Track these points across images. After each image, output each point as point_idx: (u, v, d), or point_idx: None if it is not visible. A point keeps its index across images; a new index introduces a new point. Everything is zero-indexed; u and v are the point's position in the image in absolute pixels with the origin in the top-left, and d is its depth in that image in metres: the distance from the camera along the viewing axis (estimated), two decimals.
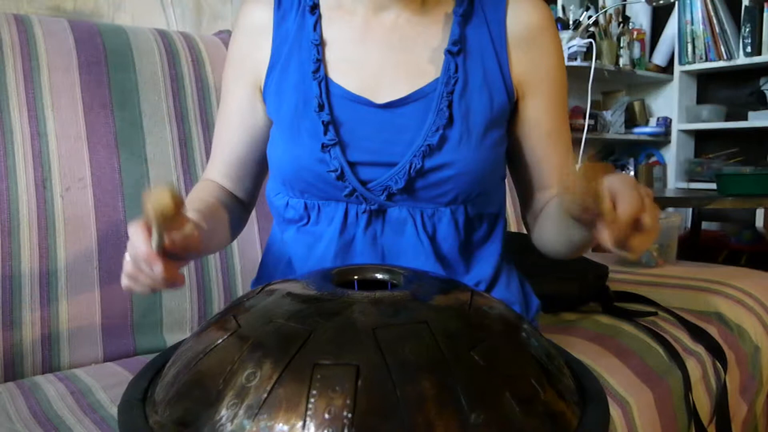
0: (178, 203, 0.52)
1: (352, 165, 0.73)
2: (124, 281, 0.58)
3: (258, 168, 0.87)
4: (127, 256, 0.57)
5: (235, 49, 0.84)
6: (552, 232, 0.75)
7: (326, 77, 0.75)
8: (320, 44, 0.76)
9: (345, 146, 0.73)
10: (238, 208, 0.88)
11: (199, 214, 0.69)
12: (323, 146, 0.72)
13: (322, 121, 0.73)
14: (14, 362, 0.88)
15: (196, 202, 0.77)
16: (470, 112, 0.74)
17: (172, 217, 0.53)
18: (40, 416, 0.71)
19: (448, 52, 0.74)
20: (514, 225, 1.46)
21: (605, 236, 0.52)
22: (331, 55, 0.76)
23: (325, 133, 0.72)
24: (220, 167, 0.85)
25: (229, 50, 0.85)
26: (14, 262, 0.90)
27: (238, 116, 0.83)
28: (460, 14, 0.76)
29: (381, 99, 0.74)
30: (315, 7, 0.78)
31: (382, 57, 0.76)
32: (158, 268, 0.53)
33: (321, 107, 0.73)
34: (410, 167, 0.72)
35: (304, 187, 0.76)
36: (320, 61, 0.75)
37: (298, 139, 0.74)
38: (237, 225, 0.88)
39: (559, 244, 0.74)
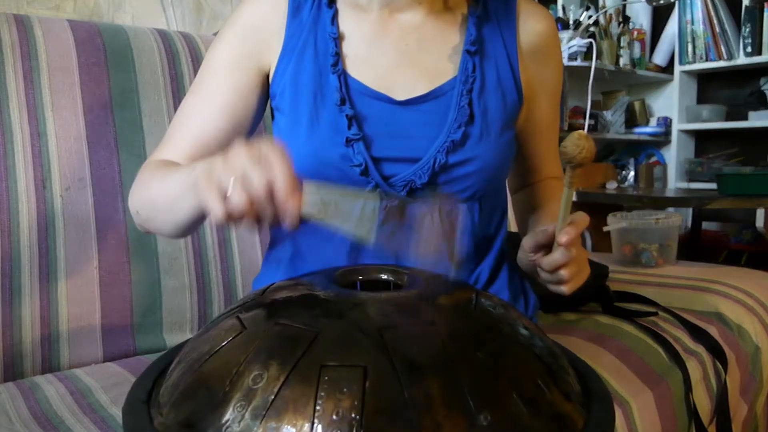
0: None
1: (376, 160, 0.73)
2: (238, 206, 0.48)
3: None
4: (237, 187, 0.48)
5: (239, 33, 0.78)
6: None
7: (345, 71, 0.74)
8: (338, 38, 0.75)
9: (369, 141, 0.73)
10: None
11: None
12: (347, 141, 0.72)
13: (346, 115, 0.72)
14: (14, 362, 0.88)
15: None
16: (488, 111, 0.75)
17: None
18: (40, 416, 0.71)
19: (467, 51, 0.75)
20: (514, 225, 1.46)
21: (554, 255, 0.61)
22: (347, 50, 0.76)
23: (349, 128, 0.72)
24: (188, 149, 0.77)
25: (226, 33, 0.79)
26: (14, 263, 0.89)
27: (227, 99, 0.77)
28: (477, 16, 0.77)
29: (399, 96, 0.74)
30: (332, 1, 0.77)
31: (398, 56, 0.76)
32: (294, 202, 0.49)
33: (343, 101, 0.72)
34: (434, 162, 0.72)
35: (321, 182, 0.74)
36: (338, 55, 0.74)
37: (318, 132, 0.73)
38: None
39: None
